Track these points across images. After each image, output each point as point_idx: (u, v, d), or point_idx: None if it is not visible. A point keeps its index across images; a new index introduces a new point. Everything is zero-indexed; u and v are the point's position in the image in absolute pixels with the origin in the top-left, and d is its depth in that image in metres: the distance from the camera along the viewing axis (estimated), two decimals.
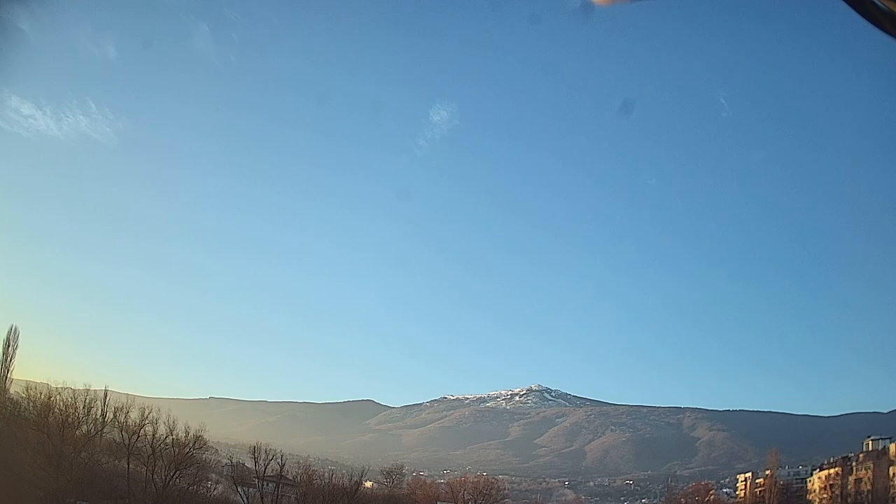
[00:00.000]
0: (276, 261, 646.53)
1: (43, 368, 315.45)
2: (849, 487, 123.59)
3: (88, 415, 75.52)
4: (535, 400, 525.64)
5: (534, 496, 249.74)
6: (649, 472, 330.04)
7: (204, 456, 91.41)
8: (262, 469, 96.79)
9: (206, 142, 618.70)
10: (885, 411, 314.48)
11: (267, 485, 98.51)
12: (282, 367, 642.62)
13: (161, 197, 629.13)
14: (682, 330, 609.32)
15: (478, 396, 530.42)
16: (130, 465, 75.10)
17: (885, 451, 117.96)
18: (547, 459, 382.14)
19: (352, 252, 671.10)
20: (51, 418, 69.70)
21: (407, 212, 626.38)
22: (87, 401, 75.74)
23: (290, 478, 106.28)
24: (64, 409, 71.68)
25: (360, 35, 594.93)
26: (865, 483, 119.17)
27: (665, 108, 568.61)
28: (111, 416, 77.24)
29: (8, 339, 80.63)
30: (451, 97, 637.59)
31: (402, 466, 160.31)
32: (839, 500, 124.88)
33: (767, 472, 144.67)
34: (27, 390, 77.88)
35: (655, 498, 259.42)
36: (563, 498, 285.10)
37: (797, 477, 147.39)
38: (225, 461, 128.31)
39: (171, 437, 78.86)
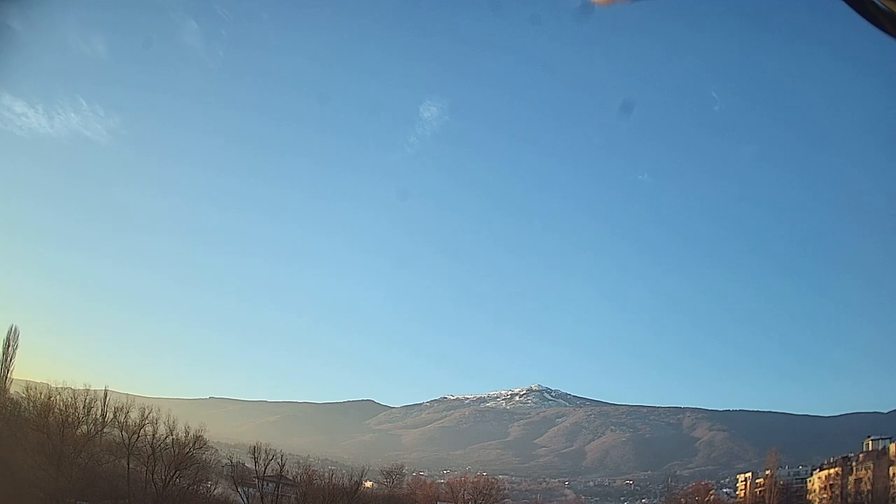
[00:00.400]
0: (276, 260, 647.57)
1: (43, 368, 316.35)
2: (849, 487, 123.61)
3: (88, 415, 75.52)
4: (535, 400, 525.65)
5: (534, 496, 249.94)
6: (649, 472, 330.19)
7: (204, 456, 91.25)
8: (262, 469, 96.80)
9: (199, 138, 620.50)
10: (885, 411, 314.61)
11: (267, 485, 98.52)
12: (282, 367, 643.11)
13: (158, 195, 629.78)
14: (683, 330, 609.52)
15: (478, 396, 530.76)
16: (130, 465, 75.00)
17: (885, 451, 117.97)
18: (547, 459, 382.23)
19: (351, 251, 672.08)
20: (51, 418, 69.69)
21: (405, 210, 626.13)
22: (87, 401, 75.75)
23: (290, 478, 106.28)
24: (64, 409, 71.67)
25: (350, 31, 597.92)
26: (865, 483, 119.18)
27: (657, 102, 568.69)
28: (111, 416, 77.21)
29: (8, 339, 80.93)
30: (441, 93, 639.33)
31: (402, 466, 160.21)
32: (839, 500, 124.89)
33: (767, 472, 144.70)
34: (27, 390, 77.88)
35: (655, 498, 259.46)
36: (563, 498, 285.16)
37: (797, 477, 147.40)
38: (225, 461, 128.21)
39: (171, 437, 78.78)
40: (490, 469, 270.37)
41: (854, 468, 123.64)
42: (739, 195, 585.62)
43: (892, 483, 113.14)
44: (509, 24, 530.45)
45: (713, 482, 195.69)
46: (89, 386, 78.88)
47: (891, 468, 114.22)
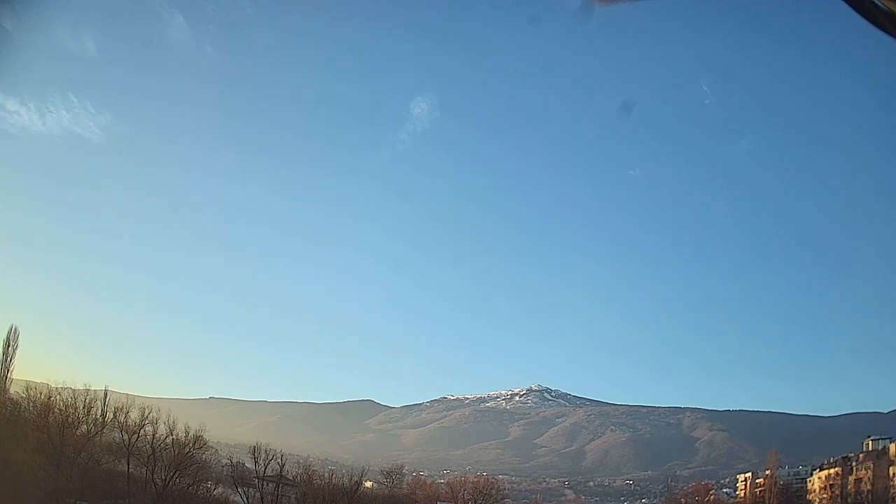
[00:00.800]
0: (276, 261, 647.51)
1: (43, 368, 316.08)
2: (849, 487, 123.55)
3: (88, 415, 75.37)
4: (535, 400, 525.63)
5: (534, 496, 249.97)
6: (649, 472, 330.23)
7: (204, 456, 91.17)
8: (262, 469, 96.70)
9: (190, 136, 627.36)
10: (885, 411, 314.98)
11: (267, 485, 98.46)
12: (282, 367, 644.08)
13: (155, 195, 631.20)
14: (682, 330, 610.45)
15: (478, 396, 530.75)
16: (130, 466, 74.96)
17: (885, 451, 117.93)
18: (547, 459, 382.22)
19: (351, 251, 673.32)
20: (51, 418, 69.61)
21: (403, 210, 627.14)
22: (87, 401, 75.59)
23: (290, 478, 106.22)
24: (64, 409, 71.58)
25: (339, 28, 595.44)
26: (865, 483, 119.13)
27: (648, 97, 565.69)
28: (111, 416, 77.00)
29: (8, 339, 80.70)
30: (430, 90, 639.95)
31: (402, 466, 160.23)
32: (839, 500, 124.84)
33: (767, 472, 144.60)
34: (27, 390, 77.73)
35: (655, 498, 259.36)
36: (563, 498, 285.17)
37: (797, 477, 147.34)
38: (225, 461, 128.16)
39: (171, 438, 78.66)
40: (490, 469, 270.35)
41: (854, 468, 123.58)
42: (737, 197, 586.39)
43: (892, 483, 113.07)
44: (498, 22, 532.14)
45: (713, 482, 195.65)
46: (89, 386, 78.83)
47: (891, 468, 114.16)
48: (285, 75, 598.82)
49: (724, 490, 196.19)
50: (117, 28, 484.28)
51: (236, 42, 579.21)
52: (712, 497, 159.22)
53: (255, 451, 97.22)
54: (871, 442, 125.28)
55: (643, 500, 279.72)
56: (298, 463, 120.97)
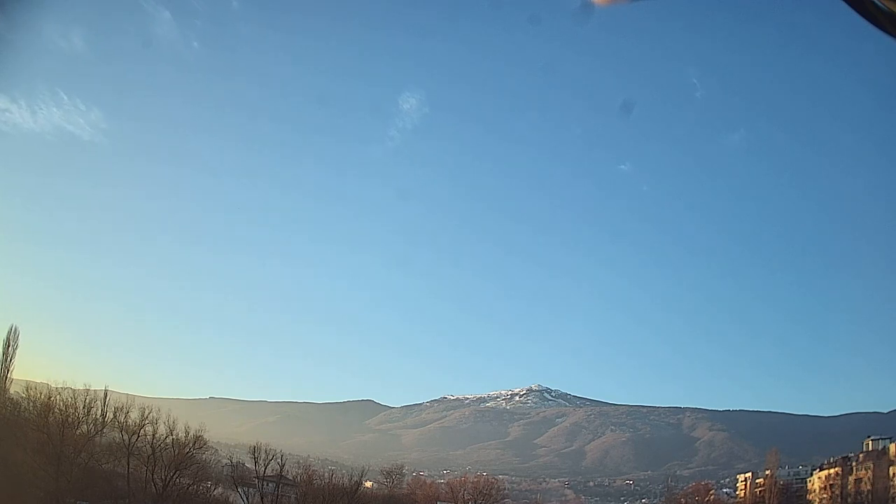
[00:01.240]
0: (276, 260, 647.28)
1: (43, 368, 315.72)
2: (849, 487, 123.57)
3: (88, 415, 75.29)
4: (535, 400, 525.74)
5: (534, 496, 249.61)
6: (649, 472, 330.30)
7: (204, 456, 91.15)
8: (262, 469, 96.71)
9: (181, 131, 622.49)
10: (885, 411, 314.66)
11: (267, 485, 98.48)
12: (282, 367, 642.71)
13: (151, 193, 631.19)
14: (682, 330, 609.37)
15: (478, 396, 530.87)
16: (130, 466, 74.95)
17: (885, 451, 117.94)
18: (547, 459, 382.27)
19: (350, 250, 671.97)
20: (51, 418, 69.57)
21: (401, 208, 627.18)
22: (87, 401, 75.51)
23: (290, 478, 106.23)
24: (64, 409, 71.52)
25: (328, 24, 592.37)
26: (865, 483, 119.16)
27: (639, 91, 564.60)
28: (111, 416, 76.91)
29: (8, 339, 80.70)
30: (418, 84, 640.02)
31: (402, 466, 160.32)
32: (839, 500, 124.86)
33: (767, 472, 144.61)
34: (27, 390, 77.69)
35: (655, 498, 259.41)
36: (563, 498, 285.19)
37: (797, 477, 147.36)
38: (225, 461, 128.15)
39: (171, 437, 78.56)
40: (490, 469, 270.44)
41: (854, 468, 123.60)
42: (736, 194, 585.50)
43: (892, 483, 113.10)
44: (489, 18, 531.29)
45: (713, 482, 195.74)
46: (89, 386, 78.68)
47: (891, 468, 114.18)
48: (273, 70, 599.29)
49: (724, 490, 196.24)
50: (105, 25, 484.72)
51: (222, 37, 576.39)
52: (712, 497, 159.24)
53: (255, 451, 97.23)
54: (871, 442, 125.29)
55: (643, 500, 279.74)
56: (298, 463, 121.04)
